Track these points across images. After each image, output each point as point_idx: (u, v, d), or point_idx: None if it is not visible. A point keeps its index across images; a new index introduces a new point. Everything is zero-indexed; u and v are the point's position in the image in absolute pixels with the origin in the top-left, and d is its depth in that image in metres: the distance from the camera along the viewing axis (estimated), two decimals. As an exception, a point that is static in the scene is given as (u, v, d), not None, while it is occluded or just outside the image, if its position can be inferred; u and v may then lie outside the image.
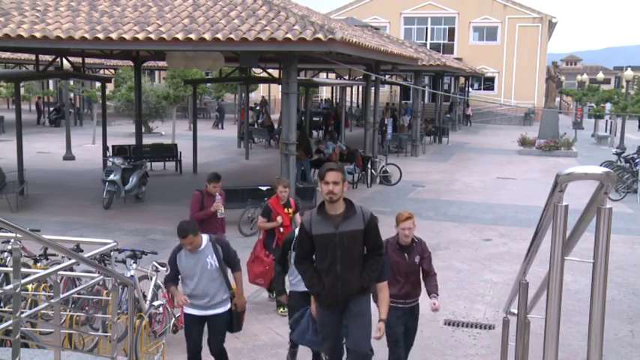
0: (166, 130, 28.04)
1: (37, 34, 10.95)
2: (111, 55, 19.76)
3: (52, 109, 36.30)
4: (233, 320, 5.92)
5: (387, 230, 5.71)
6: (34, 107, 37.99)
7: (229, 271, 5.88)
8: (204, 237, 5.77)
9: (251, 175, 17.85)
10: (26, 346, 5.17)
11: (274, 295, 7.44)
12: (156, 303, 6.68)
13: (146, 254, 6.80)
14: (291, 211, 7.93)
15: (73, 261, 5.10)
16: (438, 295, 5.89)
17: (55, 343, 4.66)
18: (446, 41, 46.86)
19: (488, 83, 47.17)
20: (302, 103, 28.58)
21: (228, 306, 5.83)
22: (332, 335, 5.01)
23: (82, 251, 6.15)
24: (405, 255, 5.81)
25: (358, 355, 4.86)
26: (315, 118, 31.80)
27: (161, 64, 29.69)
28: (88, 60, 24.15)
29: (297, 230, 6.32)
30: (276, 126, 27.86)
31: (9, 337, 4.75)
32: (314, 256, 4.93)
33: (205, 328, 5.79)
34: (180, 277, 5.76)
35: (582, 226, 2.42)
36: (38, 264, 7.08)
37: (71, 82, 28.30)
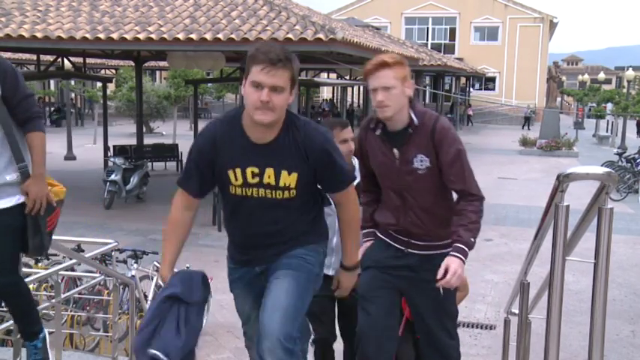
0: (167, 130, 28.03)
1: (39, 34, 10.96)
2: (112, 55, 19.75)
3: (52, 109, 36.34)
4: (28, 227, 3.04)
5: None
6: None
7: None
8: None
9: (252, 175, 17.85)
10: (27, 346, 5.17)
11: None
12: (157, 303, 6.63)
13: (147, 254, 6.79)
14: None
15: (74, 261, 5.10)
16: (465, 250, 2.77)
17: (56, 343, 4.66)
18: (447, 41, 46.85)
19: (489, 83, 47.17)
20: (302, 103, 28.59)
21: (17, 199, 3.06)
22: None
23: (83, 251, 6.15)
24: (394, 151, 2.93)
25: None
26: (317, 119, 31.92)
27: (162, 64, 29.63)
28: (89, 60, 24.14)
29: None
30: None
31: (10, 337, 4.75)
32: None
33: None
34: None
35: (583, 227, 2.42)
36: (39, 264, 7.08)
37: (72, 82, 28.31)
